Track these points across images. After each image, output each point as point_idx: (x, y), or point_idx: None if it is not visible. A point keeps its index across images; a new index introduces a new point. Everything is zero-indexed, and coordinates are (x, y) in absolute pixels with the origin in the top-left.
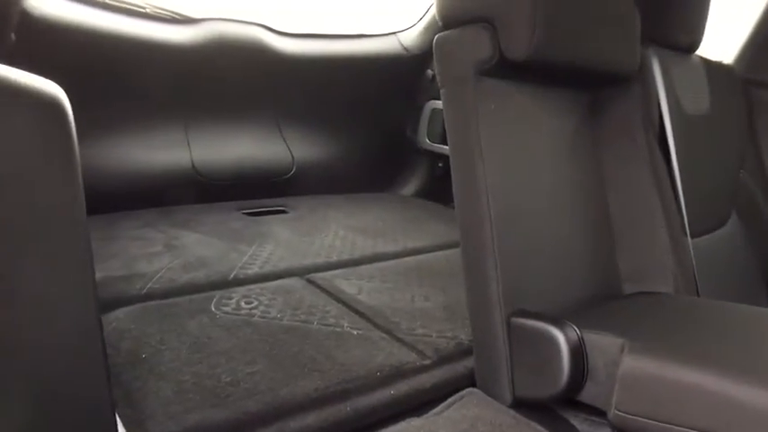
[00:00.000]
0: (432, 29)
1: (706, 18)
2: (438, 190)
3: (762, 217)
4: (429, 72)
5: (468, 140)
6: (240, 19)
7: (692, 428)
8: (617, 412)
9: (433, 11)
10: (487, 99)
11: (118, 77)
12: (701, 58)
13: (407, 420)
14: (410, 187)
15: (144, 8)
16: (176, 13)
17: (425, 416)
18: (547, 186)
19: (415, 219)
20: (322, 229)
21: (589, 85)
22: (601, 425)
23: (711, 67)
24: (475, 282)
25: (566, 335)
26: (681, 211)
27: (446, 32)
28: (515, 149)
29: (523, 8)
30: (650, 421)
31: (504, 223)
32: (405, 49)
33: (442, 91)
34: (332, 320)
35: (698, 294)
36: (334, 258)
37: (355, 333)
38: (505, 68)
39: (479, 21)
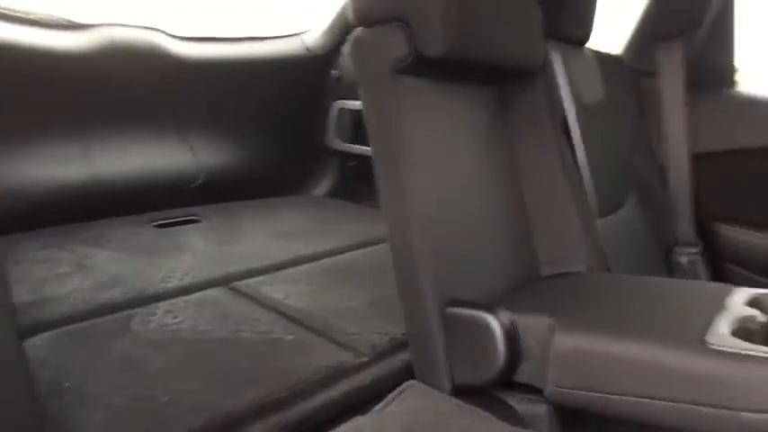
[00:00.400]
0: (335, 30)
1: (594, 11)
2: (350, 189)
3: (655, 197)
4: (334, 73)
5: (389, 138)
6: (134, 23)
7: (622, 394)
8: (552, 388)
9: (337, 11)
10: (406, 96)
11: (4, 88)
12: (593, 50)
13: (353, 420)
14: (322, 188)
15: (29, 14)
16: (66, 20)
17: (370, 413)
18: (467, 179)
19: (330, 219)
20: (238, 236)
21: (499, 80)
22: (538, 402)
23: (603, 59)
24: (406, 276)
25: (499, 320)
26: (588, 194)
27: (361, 31)
28: (435, 144)
29: (437, 6)
30: (584, 392)
31: (429, 216)
32: (308, 50)
33: (360, 90)
34: (263, 328)
35: (609, 271)
36: (256, 265)
37: (288, 338)
38: (422, 66)
39: (394, 19)
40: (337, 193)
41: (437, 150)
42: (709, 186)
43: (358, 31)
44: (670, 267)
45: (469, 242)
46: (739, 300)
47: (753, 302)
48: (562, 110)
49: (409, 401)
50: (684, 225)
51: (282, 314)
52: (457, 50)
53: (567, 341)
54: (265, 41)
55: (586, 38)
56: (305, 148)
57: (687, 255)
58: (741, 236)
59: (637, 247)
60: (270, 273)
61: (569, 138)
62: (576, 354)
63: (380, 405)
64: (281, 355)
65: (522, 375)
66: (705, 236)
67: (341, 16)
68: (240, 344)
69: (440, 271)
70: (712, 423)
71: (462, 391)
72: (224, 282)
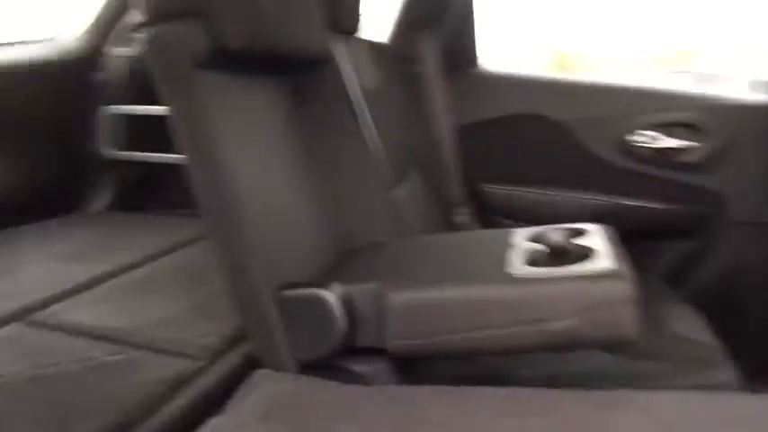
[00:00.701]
0: (99, 29)
1: (359, 2)
2: (133, 200)
3: (431, 167)
4: (98, 75)
5: (199, 136)
6: None
7: (452, 334)
8: (392, 344)
9: (100, 9)
10: (210, 92)
11: None
12: (365, 39)
13: (208, 423)
14: (100, 203)
15: None
16: None
17: (224, 412)
18: (277, 167)
19: (118, 234)
20: (15, 266)
21: (294, 70)
22: (380, 361)
23: (374, 47)
24: (236, 270)
25: (332, 292)
26: (380, 170)
27: (157, 28)
28: (244, 137)
29: None
30: (420, 341)
31: (250, 208)
32: (68, 54)
33: (162, 90)
34: (82, 355)
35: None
36: (51, 292)
37: (114, 360)
38: (222, 60)
39: (190, 13)
40: (119, 206)
41: (247, 142)
42: (473, 153)
43: (152, 27)
44: (451, 228)
45: (290, 227)
46: (521, 238)
47: (533, 239)
48: (349, 95)
49: (260, 390)
50: (457, 189)
51: (99, 337)
52: (255, 43)
53: (399, 299)
54: (18, 47)
55: (356, 27)
56: (78, 162)
57: (462, 214)
58: (503, 192)
59: (423, 212)
60: (69, 298)
61: (359, 121)
62: (410, 309)
63: (233, 401)
64: (111, 380)
65: (363, 340)
66: (476, 196)
67: (105, 14)
68: (59, 379)
69: (268, 259)
70: (525, 339)
71: (309, 368)
72: (19, 316)
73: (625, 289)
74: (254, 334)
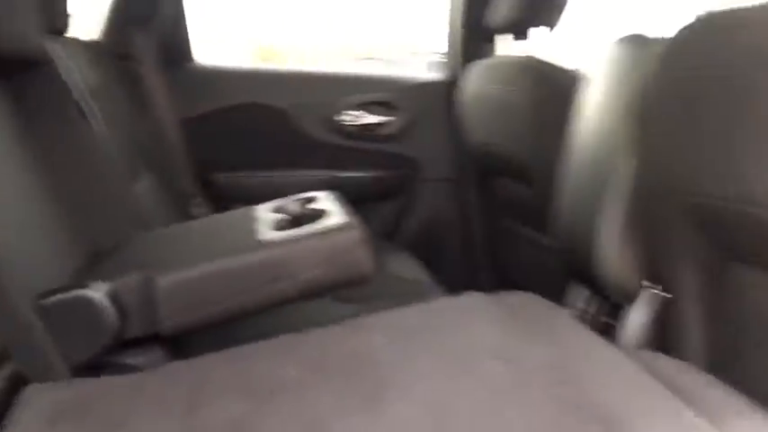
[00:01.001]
0: None
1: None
2: None
3: (161, 162)
4: None
5: None
6: None
7: (218, 303)
8: (164, 327)
9: None
10: None
11: None
12: (79, 38)
13: None
14: None
15: None
16: None
17: None
18: (9, 176)
19: None
20: None
21: (13, 73)
22: (154, 349)
23: (90, 46)
24: None
25: (97, 290)
26: (116, 167)
27: None
28: None
29: None
30: (191, 318)
31: None
32: None
33: None
34: None
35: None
36: None
37: None
38: None
39: None
40: None
41: None
42: (201, 145)
43: None
44: (190, 219)
45: (35, 235)
46: (263, 212)
47: (274, 210)
48: (74, 96)
49: (34, 405)
50: (190, 181)
51: None
52: None
53: (167, 282)
54: None
55: (66, 26)
56: None
57: (199, 205)
58: (235, 178)
59: (161, 207)
60: None
61: (87, 120)
62: (178, 289)
63: (6, 425)
64: None
65: (133, 330)
66: (210, 186)
67: None
68: None
69: (19, 270)
70: (283, 293)
71: (83, 372)
72: None
73: (357, 236)
74: (18, 349)
